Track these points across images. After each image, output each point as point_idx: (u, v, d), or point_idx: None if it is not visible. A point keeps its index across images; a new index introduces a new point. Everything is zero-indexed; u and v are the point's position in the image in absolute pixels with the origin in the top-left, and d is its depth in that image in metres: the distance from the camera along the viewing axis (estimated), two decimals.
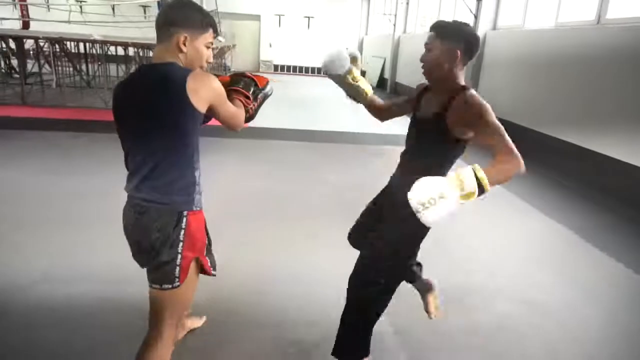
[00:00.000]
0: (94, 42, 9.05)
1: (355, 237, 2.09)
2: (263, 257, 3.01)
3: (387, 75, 14.65)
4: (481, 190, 1.42)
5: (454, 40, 1.63)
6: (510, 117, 6.57)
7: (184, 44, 1.46)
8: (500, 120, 1.56)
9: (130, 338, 1.69)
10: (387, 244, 1.80)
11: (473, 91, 1.64)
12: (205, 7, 10.18)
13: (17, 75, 9.03)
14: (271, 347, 2.15)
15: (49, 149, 5.23)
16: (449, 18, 1.80)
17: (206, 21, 1.50)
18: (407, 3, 13.50)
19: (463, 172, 1.43)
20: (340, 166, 5.43)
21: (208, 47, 1.53)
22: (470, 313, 2.57)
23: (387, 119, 2.11)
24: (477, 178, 1.41)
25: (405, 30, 13.79)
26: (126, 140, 1.52)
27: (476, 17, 8.26)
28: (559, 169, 5.66)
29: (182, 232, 1.48)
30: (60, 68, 9.96)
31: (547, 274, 3.11)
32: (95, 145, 5.45)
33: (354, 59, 2.00)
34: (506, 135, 1.53)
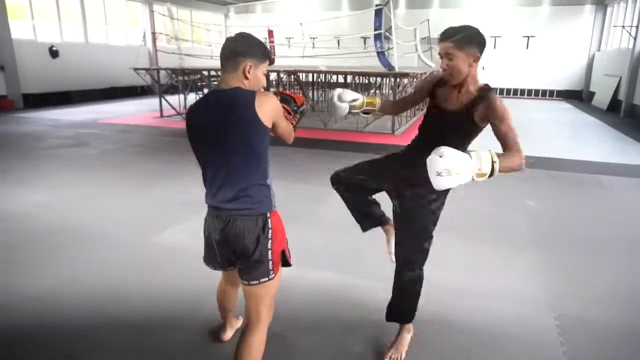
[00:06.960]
0: (319, 72, 10.77)
1: (339, 177, 2.23)
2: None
3: (621, 96, 12.57)
4: (491, 173, 1.55)
5: (472, 47, 1.86)
6: None
7: (249, 72, 1.66)
8: None
9: None
10: (420, 229, 2.01)
11: (495, 92, 1.84)
12: (419, 34, 10.95)
13: None
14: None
15: (274, 159, 6.26)
16: None
17: (265, 52, 1.71)
18: None
19: (482, 155, 1.54)
20: (539, 192, 5.07)
21: (264, 75, 1.74)
22: None
23: (401, 112, 2.67)
24: (492, 162, 1.54)
25: None
26: (204, 157, 1.71)
27: None
28: None
29: (270, 231, 1.70)
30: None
31: None
32: (310, 158, 6.51)
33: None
34: (517, 135, 1.75)
